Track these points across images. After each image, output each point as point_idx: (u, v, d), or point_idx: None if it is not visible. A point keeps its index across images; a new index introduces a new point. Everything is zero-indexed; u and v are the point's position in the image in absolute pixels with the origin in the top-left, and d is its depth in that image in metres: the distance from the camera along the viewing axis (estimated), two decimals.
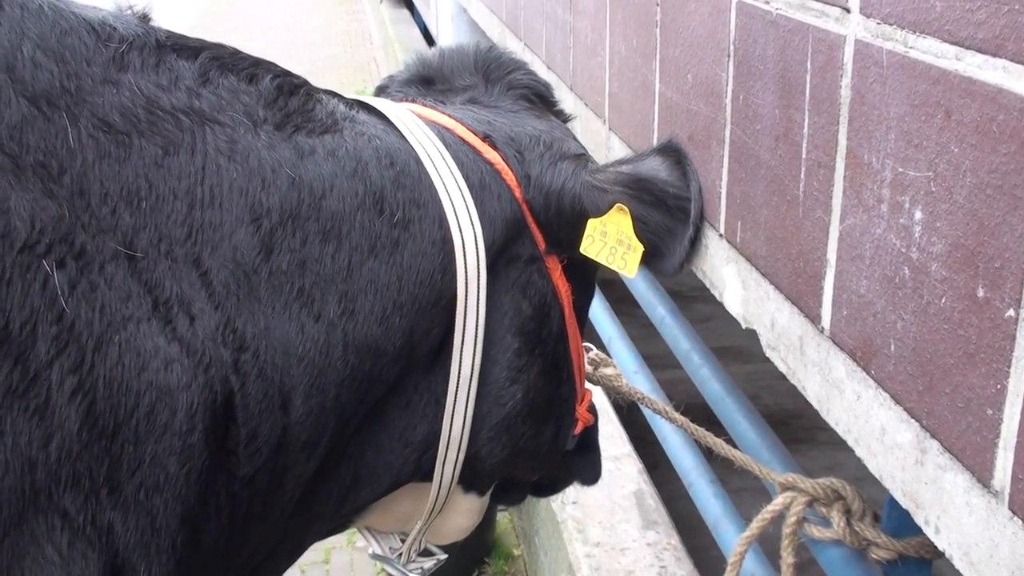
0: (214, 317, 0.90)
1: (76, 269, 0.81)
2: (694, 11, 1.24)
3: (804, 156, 0.97)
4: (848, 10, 0.88)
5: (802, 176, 0.98)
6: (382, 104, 1.21)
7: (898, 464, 0.84)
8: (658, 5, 1.37)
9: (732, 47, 1.13)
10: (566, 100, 1.91)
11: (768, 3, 1.04)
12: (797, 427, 3.29)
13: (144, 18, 0.97)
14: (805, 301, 0.99)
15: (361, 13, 10.93)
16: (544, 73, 2.10)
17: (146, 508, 0.84)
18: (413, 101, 1.34)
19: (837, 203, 0.92)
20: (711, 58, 1.19)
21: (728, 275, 1.18)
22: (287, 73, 1.08)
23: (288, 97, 1.04)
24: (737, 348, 3.10)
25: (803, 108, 0.97)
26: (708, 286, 1.26)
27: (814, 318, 0.97)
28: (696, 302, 3.46)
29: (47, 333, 0.78)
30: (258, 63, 1.05)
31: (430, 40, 6.76)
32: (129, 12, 0.97)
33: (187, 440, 0.86)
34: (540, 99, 1.40)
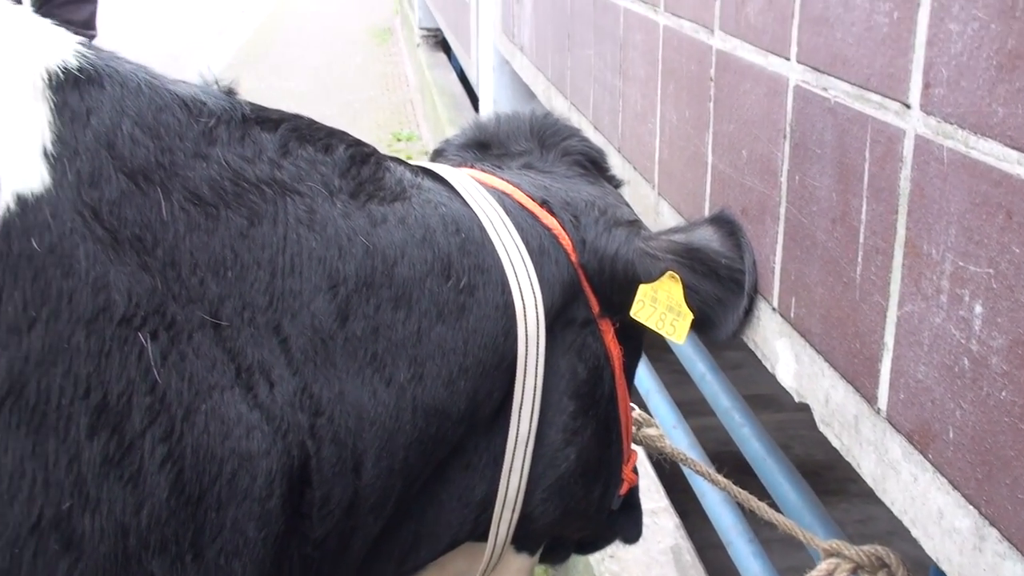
0: (292, 383, 0.94)
1: (167, 340, 0.85)
2: (749, 91, 1.28)
3: (862, 241, 1.01)
4: (908, 105, 0.92)
5: (859, 260, 1.01)
6: (444, 170, 1.26)
7: (956, 548, 0.86)
8: (712, 81, 1.41)
9: (788, 128, 1.17)
10: (614, 162, 1.95)
11: (826, 90, 1.07)
12: (829, 479, 3.28)
13: (230, 92, 1.02)
14: (861, 381, 1.02)
15: (398, 55, 11.06)
16: (591, 134, 2.15)
17: (225, 572, 0.88)
18: (471, 166, 1.39)
19: (895, 289, 0.95)
20: (766, 137, 1.23)
21: (781, 348, 1.21)
22: (358, 142, 1.12)
23: (360, 166, 1.08)
24: (768, 396, 3.11)
25: (861, 194, 1.00)
26: (759, 357, 1.28)
27: (870, 398, 1.00)
28: (726, 349, 3.47)
29: (141, 404, 0.82)
30: (332, 133, 1.10)
31: (466, 85, 6.85)
32: (216, 87, 1.01)
33: (265, 505, 0.90)
34: (593, 165, 1.45)
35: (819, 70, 1.09)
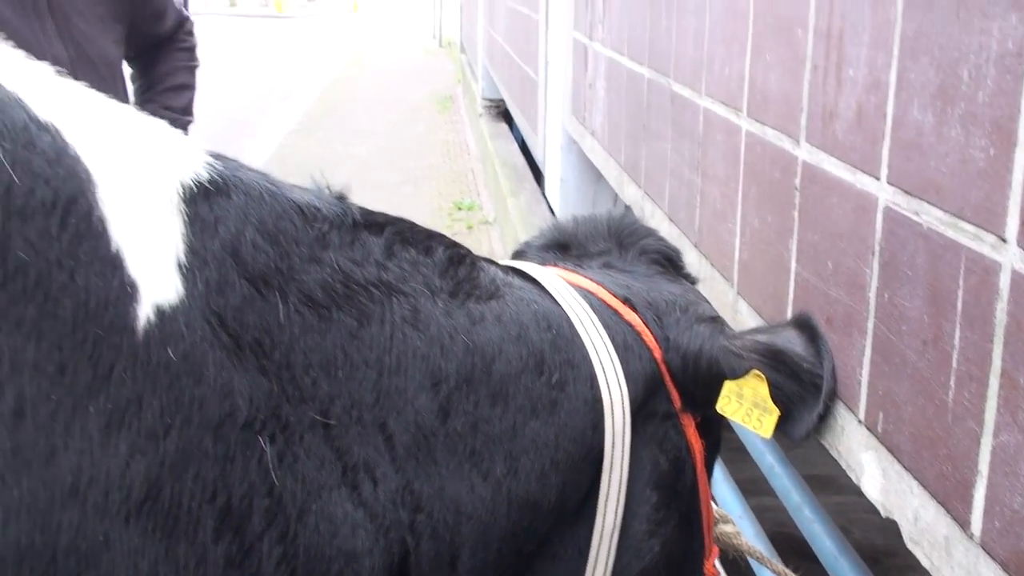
0: (395, 480, 0.97)
1: (283, 442, 0.90)
2: (836, 205, 1.31)
3: (954, 366, 1.03)
4: (1004, 240, 0.94)
5: (952, 384, 1.03)
6: (531, 268, 1.31)
7: None
8: (796, 190, 1.45)
9: (877, 247, 1.20)
10: (690, 256, 1.98)
11: (918, 214, 1.10)
12: (889, 565, 3.22)
13: (341, 198, 1.07)
14: (953, 504, 1.03)
15: (460, 123, 11.24)
16: (666, 226, 2.19)
17: None
18: (554, 265, 1.44)
19: (990, 418, 0.96)
20: (854, 252, 1.26)
21: (867, 462, 1.22)
22: (455, 244, 1.18)
23: (457, 266, 1.13)
24: (826, 477, 3.08)
25: (954, 320, 1.02)
26: (844, 467, 1.30)
27: (963, 523, 1.01)
28: None
29: (260, 506, 0.86)
30: (431, 235, 1.15)
31: (528, 155, 6.95)
32: (328, 191, 1.07)
33: None
34: (670, 263, 1.49)
35: (910, 194, 1.12)
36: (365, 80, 15.06)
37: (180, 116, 2.14)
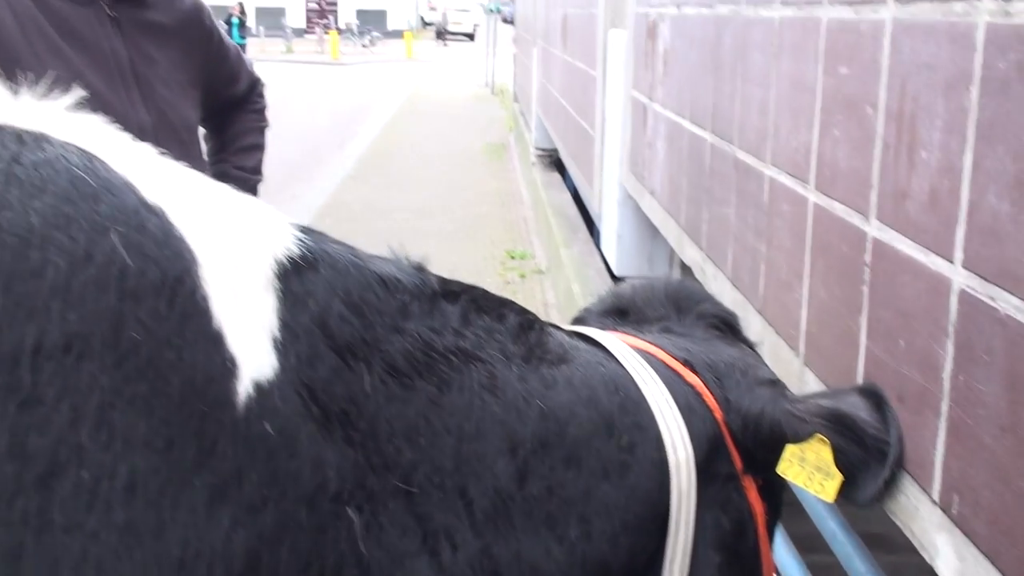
0: (474, 545, 1.00)
1: (369, 511, 0.93)
2: (908, 284, 1.32)
3: None
4: None
5: None
6: (594, 333, 1.33)
7: None
8: (867, 266, 1.46)
9: (952, 329, 1.20)
10: (753, 322, 2.00)
11: (994, 300, 1.11)
12: None
13: (420, 268, 1.10)
14: None
15: (512, 172, 11.33)
16: (728, 289, 2.20)
17: None
18: (614, 330, 1.46)
19: None
20: (927, 332, 1.26)
21: (941, 543, 1.22)
22: (524, 310, 1.21)
23: (528, 332, 1.16)
24: (880, 536, 3.04)
25: None
26: (916, 546, 1.29)
27: None
28: None
29: None
30: (503, 303, 1.18)
31: (580, 206, 6.99)
32: (407, 261, 1.10)
33: None
34: (728, 327, 1.51)
35: (986, 279, 1.12)
36: (418, 127, 15.26)
37: (250, 176, 2.21)
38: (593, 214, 5.31)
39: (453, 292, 1.11)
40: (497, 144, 13.34)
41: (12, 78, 1.55)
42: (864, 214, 1.47)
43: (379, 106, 18.47)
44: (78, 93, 0.96)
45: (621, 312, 1.54)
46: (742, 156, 2.10)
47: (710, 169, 2.37)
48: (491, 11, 21.56)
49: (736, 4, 2.11)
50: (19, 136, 0.83)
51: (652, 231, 3.57)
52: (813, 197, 1.68)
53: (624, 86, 3.69)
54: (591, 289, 5.41)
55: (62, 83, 1.61)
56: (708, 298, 1.54)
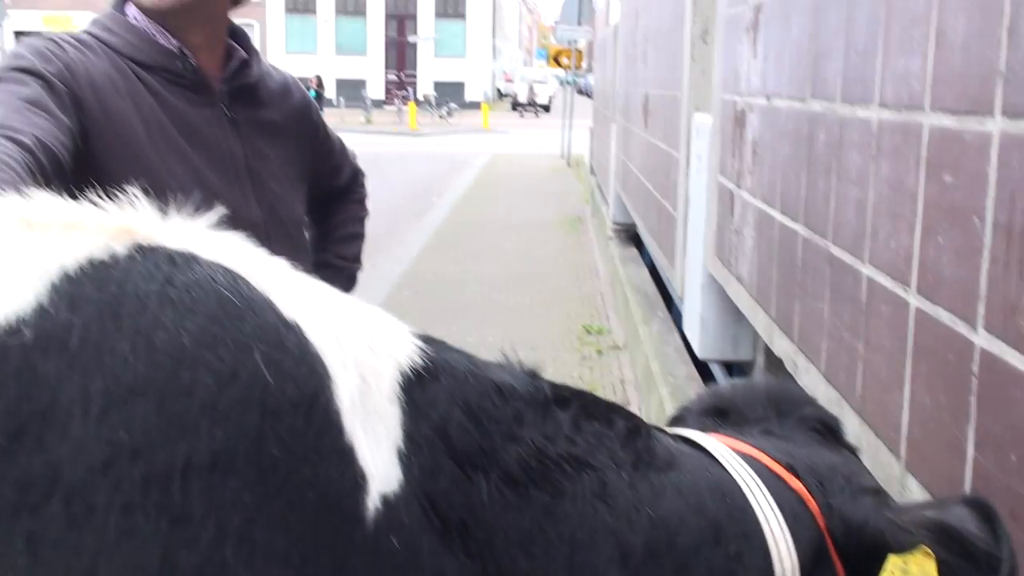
0: None
1: None
2: (1020, 399, 1.31)
3: None
4: None
5: None
6: (696, 436, 1.33)
7: None
8: (974, 376, 1.44)
9: None
10: (850, 421, 1.98)
11: None
12: None
13: (533, 374, 1.12)
14: None
15: (588, 245, 11.39)
16: (822, 385, 2.18)
17: None
18: (714, 432, 1.46)
19: None
20: None
21: None
22: (631, 415, 1.21)
23: (636, 437, 1.17)
24: None
25: None
26: None
27: None
28: None
29: None
30: (612, 407, 1.19)
31: (658, 281, 6.99)
32: (520, 367, 1.12)
33: None
34: (830, 432, 1.49)
35: None
36: (495, 198, 15.46)
37: (350, 264, 2.26)
38: (674, 294, 5.31)
39: (564, 398, 1.13)
40: (573, 217, 13.44)
41: (136, 175, 1.64)
42: (971, 324, 1.46)
43: (456, 177, 18.78)
44: (219, 210, 1.01)
45: (721, 412, 1.54)
46: (837, 252, 2.10)
47: (802, 262, 2.37)
48: (567, 83, 21.85)
49: (830, 101, 2.13)
50: (171, 258, 0.87)
51: (736, 314, 3.56)
52: (915, 301, 1.67)
53: (709, 170, 3.72)
54: (670, 368, 5.38)
55: (182, 180, 1.70)
56: (810, 401, 1.53)
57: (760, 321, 2.83)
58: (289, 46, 39.55)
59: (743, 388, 1.56)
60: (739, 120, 3.12)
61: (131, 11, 1.75)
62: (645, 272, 7.70)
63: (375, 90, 44.25)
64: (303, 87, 2.08)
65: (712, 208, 3.64)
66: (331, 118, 31.94)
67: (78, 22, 45.42)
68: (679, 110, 4.61)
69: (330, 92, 43.21)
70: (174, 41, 1.74)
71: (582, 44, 20.79)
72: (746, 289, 3.03)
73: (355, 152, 2.35)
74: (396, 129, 32.93)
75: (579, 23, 19.08)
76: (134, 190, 0.95)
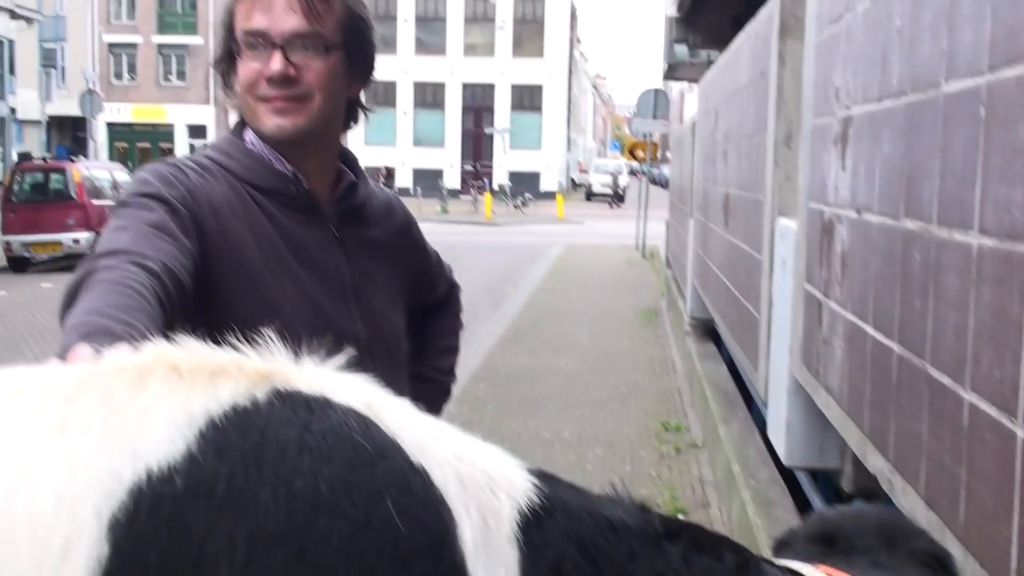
0: None
1: None
2: None
3: None
4: None
5: None
6: (804, 568, 1.32)
7: None
8: None
9: None
10: (952, 550, 1.92)
11: None
12: None
13: (644, 508, 1.13)
14: None
15: (663, 339, 11.33)
16: (922, 509, 2.13)
17: None
18: (820, 562, 1.43)
19: None
20: None
21: None
22: (740, 548, 1.21)
23: (744, 571, 1.16)
24: None
25: None
26: None
27: None
28: None
29: None
30: (719, 540, 1.19)
31: (738, 379, 6.91)
32: (630, 500, 1.13)
33: None
34: (941, 566, 1.46)
35: None
36: (570, 289, 15.52)
37: (445, 377, 2.29)
38: (756, 396, 5.25)
39: (674, 532, 1.14)
40: (648, 309, 13.41)
41: (251, 293, 1.70)
42: None
43: (531, 267, 18.92)
44: (346, 353, 1.04)
45: (828, 539, 1.51)
46: (935, 374, 2.07)
47: (897, 380, 2.34)
48: (642, 172, 22.02)
49: (926, 222, 2.13)
50: (308, 403, 0.90)
51: (823, 421, 3.51)
52: (1022, 433, 1.64)
53: (795, 276, 3.71)
54: (752, 471, 5.29)
55: (293, 297, 1.75)
56: (922, 534, 1.50)
57: (852, 434, 2.79)
58: (368, 137, 40.55)
59: (853, 515, 1.54)
60: (827, 230, 3.12)
61: (249, 136, 1.83)
62: (724, 369, 7.62)
63: (451, 180, 45.09)
64: (405, 205, 2.14)
65: (798, 314, 3.61)
66: (407, 207, 32.60)
67: (170, 115, 47.41)
68: (762, 213, 4.62)
69: (407, 182, 44.15)
70: (289, 166, 1.81)
71: (657, 137, 21.01)
72: (836, 400, 2.99)
73: (451, 265, 2.40)
74: (471, 219, 33.40)
75: (654, 116, 19.30)
76: (268, 332, 0.98)
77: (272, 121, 1.75)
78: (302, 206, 1.81)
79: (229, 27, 1.75)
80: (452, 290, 2.33)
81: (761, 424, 5.82)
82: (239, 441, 0.83)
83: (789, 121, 4.21)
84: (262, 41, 1.71)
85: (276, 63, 1.71)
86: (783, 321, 4.00)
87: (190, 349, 0.92)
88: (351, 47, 1.81)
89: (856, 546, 1.49)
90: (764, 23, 4.61)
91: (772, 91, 4.33)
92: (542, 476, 1.08)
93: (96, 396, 0.83)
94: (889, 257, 2.41)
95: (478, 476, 1.00)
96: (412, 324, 2.30)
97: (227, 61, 1.78)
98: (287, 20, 1.72)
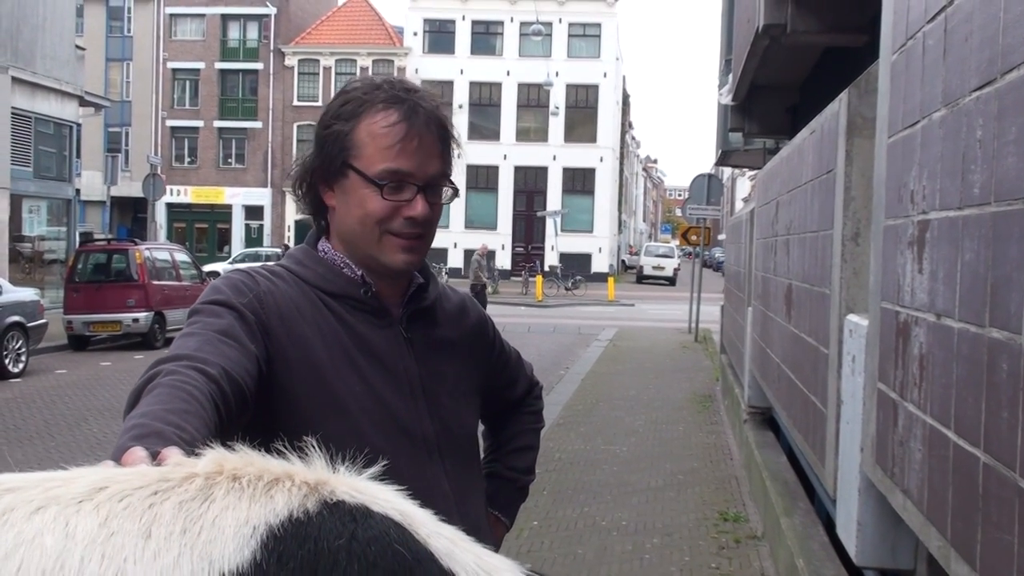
0: None
1: None
2: None
3: None
4: None
5: None
6: None
7: None
8: None
9: None
10: None
11: None
12: None
13: None
14: None
15: (719, 425, 11.22)
16: None
17: None
18: None
19: None
20: None
21: None
22: None
23: None
24: None
25: None
26: None
27: None
28: None
29: None
30: None
31: (797, 469, 6.81)
32: None
33: None
34: None
35: None
36: (623, 372, 15.45)
37: (521, 476, 2.31)
38: (821, 493, 5.17)
39: None
40: (703, 395, 13.30)
41: (317, 392, 1.75)
42: None
43: (583, 350, 18.88)
44: (382, 462, 1.10)
45: None
46: None
47: (984, 490, 2.31)
48: (695, 255, 22.02)
49: (1014, 333, 2.13)
50: (352, 514, 0.97)
51: (895, 520, 3.45)
52: None
53: (867, 374, 3.69)
54: (817, 568, 5.20)
55: (360, 397, 1.80)
56: None
57: (934, 542, 2.75)
58: None
59: None
60: (902, 331, 3.12)
61: (322, 245, 1.92)
62: (784, 459, 7.52)
63: (503, 261, 45.42)
64: (479, 306, 2.19)
65: (871, 413, 3.59)
66: (459, 287, 32.82)
67: (228, 197, 48.49)
68: (828, 308, 4.61)
69: (458, 262, 44.54)
70: (358, 272, 1.87)
71: (710, 222, 21.04)
72: (915, 504, 2.96)
73: (531, 364, 2.43)
74: (522, 300, 33.50)
75: (708, 202, 19.38)
76: (312, 440, 1.06)
77: (401, 258, 1.83)
78: (371, 309, 1.87)
79: (347, 147, 1.81)
80: (532, 389, 2.36)
81: (824, 517, 5.72)
82: (297, 550, 0.91)
83: (857, 219, 4.23)
84: (406, 181, 1.80)
85: (422, 207, 1.81)
86: (853, 418, 3.97)
87: (246, 459, 1.01)
88: (451, 170, 1.90)
89: None
90: (830, 120, 4.67)
91: (839, 188, 4.36)
92: None
93: (172, 504, 0.92)
94: (973, 364, 2.40)
95: None
96: (491, 422, 2.33)
97: (329, 172, 1.84)
98: (431, 165, 1.82)
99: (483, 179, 47.45)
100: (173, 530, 0.89)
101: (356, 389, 1.79)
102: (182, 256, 20.42)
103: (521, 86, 47.56)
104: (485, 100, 47.90)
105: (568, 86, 47.44)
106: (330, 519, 0.95)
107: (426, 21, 48.39)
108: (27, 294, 16.09)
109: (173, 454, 1.09)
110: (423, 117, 1.79)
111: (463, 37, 48.18)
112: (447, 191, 1.88)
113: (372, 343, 1.85)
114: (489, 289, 25.41)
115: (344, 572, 0.91)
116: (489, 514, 2.12)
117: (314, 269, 1.87)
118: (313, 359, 1.76)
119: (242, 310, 1.70)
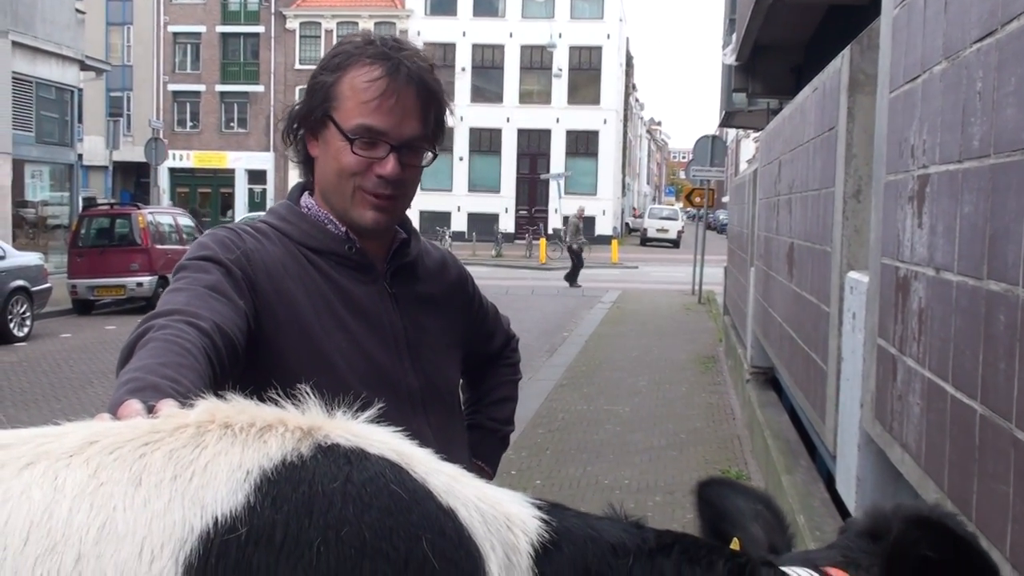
0: None
1: None
2: None
3: None
4: None
5: None
6: (802, 573, 1.33)
7: None
8: None
9: None
10: None
11: None
12: None
13: (639, 525, 1.16)
14: None
15: (722, 386, 11.25)
16: (1007, 571, 2.12)
17: None
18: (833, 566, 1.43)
19: None
20: None
21: None
22: (734, 554, 1.23)
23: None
24: None
25: None
26: None
27: None
28: None
29: None
30: (712, 550, 1.21)
31: (799, 429, 6.85)
32: (626, 519, 1.16)
33: None
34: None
35: None
36: (626, 334, 15.47)
37: (502, 427, 2.33)
38: (821, 449, 5.20)
39: (667, 545, 1.17)
40: (706, 356, 13.32)
41: (303, 347, 1.77)
42: None
43: (586, 312, 18.89)
44: (377, 406, 1.11)
45: (875, 536, 1.51)
46: (1023, 437, 2.06)
47: (980, 441, 2.33)
48: (698, 217, 21.99)
49: (1011, 284, 2.13)
50: (347, 456, 0.97)
51: (894, 474, 3.48)
52: None
53: (867, 330, 3.70)
54: (818, 523, 5.23)
55: (346, 351, 1.81)
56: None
57: (931, 493, 2.77)
58: (425, 183, 40.90)
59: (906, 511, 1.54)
60: (902, 286, 3.13)
61: (305, 200, 1.93)
62: (786, 418, 7.54)
63: (506, 224, 45.33)
64: (459, 262, 2.20)
65: (871, 369, 3.60)
66: (462, 251, 32.67)
67: (231, 161, 48.35)
68: (830, 266, 4.62)
69: (461, 226, 44.49)
70: (342, 228, 1.88)
71: (713, 183, 20.98)
72: (913, 458, 2.98)
73: (508, 318, 2.43)
74: (526, 263, 33.48)
75: (711, 163, 19.31)
76: (306, 388, 1.06)
77: (371, 215, 1.83)
78: (355, 264, 1.88)
79: (329, 97, 1.80)
80: (509, 342, 2.38)
81: (825, 475, 5.76)
82: (291, 493, 0.92)
83: (859, 175, 4.22)
84: (379, 139, 1.79)
85: (393, 166, 1.79)
86: (853, 374, 3.98)
87: (239, 407, 1.01)
88: (436, 136, 1.89)
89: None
90: (832, 77, 4.64)
91: (841, 145, 4.34)
92: (549, 508, 1.12)
93: (163, 453, 0.93)
94: (971, 317, 2.41)
95: (498, 515, 1.06)
96: (470, 376, 2.35)
97: (311, 121, 1.84)
98: (407, 126, 1.80)
99: (486, 142, 47.26)
100: (163, 477, 0.90)
101: (342, 344, 1.80)
102: (185, 220, 20.42)
103: (524, 48, 47.20)
104: (488, 63, 47.56)
105: (571, 48, 47.06)
106: (324, 462, 0.95)
107: None
108: (31, 259, 16.10)
109: (168, 406, 1.09)
110: (404, 75, 1.78)
111: None
112: (427, 155, 1.87)
113: (357, 298, 1.86)
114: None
115: (339, 513, 0.91)
116: (472, 463, 2.15)
117: (298, 225, 1.87)
118: (299, 315, 1.77)
119: (229, 266, 1.70)
